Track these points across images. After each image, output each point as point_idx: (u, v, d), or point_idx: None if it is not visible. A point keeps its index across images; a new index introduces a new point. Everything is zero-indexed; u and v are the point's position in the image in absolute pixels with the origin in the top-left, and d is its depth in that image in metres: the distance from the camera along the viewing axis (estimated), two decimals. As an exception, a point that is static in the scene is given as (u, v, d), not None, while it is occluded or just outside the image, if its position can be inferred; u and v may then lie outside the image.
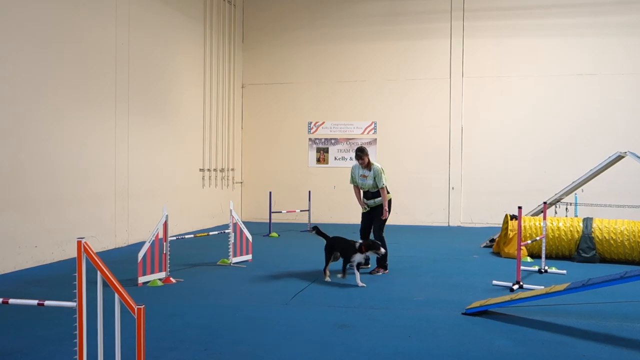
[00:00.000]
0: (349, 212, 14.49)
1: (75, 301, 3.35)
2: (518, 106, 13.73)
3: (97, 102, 9.45)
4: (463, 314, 5.46)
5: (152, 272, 6.84)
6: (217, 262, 8.35)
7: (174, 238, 7.83)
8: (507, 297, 5.57)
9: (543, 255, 7.89)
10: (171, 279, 7.02)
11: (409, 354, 4.32)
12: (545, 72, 13.58)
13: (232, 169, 14.74)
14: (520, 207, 6.90)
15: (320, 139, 14.88)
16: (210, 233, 8.79)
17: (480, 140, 13.90)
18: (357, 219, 14.29)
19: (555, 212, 10.93)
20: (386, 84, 14.46)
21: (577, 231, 8.77)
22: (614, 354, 4.35)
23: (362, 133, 14.65)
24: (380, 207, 7.64)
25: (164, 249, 6.99)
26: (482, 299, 5.81)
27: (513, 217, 9.36)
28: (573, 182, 10.08)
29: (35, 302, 3.60)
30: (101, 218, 9.52)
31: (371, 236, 7.75)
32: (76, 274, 3.34)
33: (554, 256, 8.94)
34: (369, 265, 7.85)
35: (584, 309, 5.68)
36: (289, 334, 4.83)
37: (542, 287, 6.28)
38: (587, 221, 8.85)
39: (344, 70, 14.70)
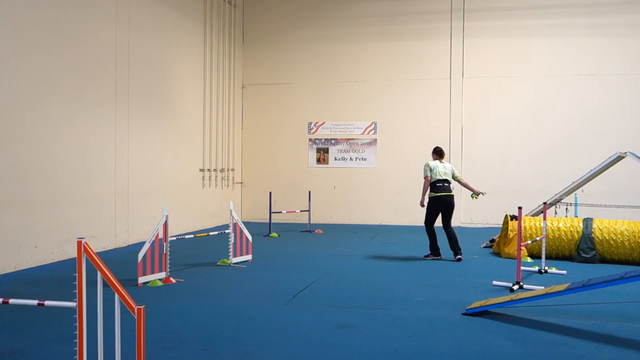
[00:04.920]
0: (349, 212, 14.52)
1: (75, 301, 3.35)
2: (518, 106, 13.73)
3: (98, 102, 9.45)
4: (463, 314, 5.46)
5: (152, 272, 6.84)
6: (217, 262, 8.35)
7: (174, 238, 7.83)
8: (507, 298, 5.57)
9: (543, 256, 7.89)
10: (171, 279, 7.02)
11: (409, 354, 4.32)
12: (545, 72, 13.58)
13: (232, 169, 14.74)
14: (520, 208, 6.89)
15: (321, 139, 14.88)
16: (210, 233, 8.78)
17: (480, 141, 13.90)
18: (356, 219, 14.37)
19: (555, 213, 10.93)
20: (386, 84, 14.47)
21: (577, 231, 8.77)
22: (614, 354, 4.34)
23: (362, 133, 14.65)
24: None
25: (164, 249, 6.99)
26: (482, 299, 5.81)
27: (513, 217, 9.36)
28: (573, 183, 10.08)
29: (35, 302, 3.60)
30: (101, 218, 9.52)
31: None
32: (76, 274, 3.34)
33: (554, 256, 8.95)
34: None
35: (584, 309, 5.68)
36: (289, 334, 4.83)
37: (542, 287, 6.28)
38: (587, 221, 8.85)
39: (344, 70, 14.70)
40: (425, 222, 8.89)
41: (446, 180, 8.82)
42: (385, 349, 4.43)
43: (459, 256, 8.71)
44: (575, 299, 5.96)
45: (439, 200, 8.76)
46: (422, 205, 8.96)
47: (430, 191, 8.82)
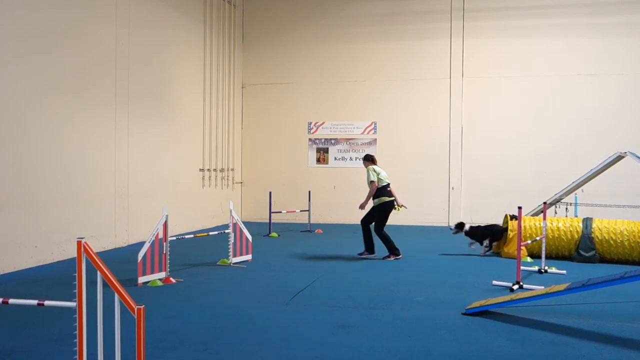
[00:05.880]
0: (349, 212, 14.51)
1: (75, 301, 3.35)
2: (518, 106, 13.73)
3: (98, 102, 9.45)
4: (463, 314, 5.46)
5: (152, 272, 6.84)
6: (217, 262, 8.36)
7: (174, 238, 7.83)
8: (507, 297, 5.57)
9: (543, 255, 7.89)
10: (171, 279, 7.02)
11: (409, 354, 4.32)
12: (545, 72, 13.58)
13: (232, 169, 14.74)
14: (520, 207, 6.89)
15: (320, 139, 14.88)
16: (210, 233, 8.79)
17: (480, 141, 13.91)
18: (356, 219, 14.31)
19: (555, 212, 10.93)
20: (386, 84, 14.47)
21: (577, 231, 8.77)
22: (614, 354, 4.34)
23: (362, 133, 14.65)
24: (374, 207, 8.92)
25: (164, 249, 6.99)
26: (482, 299, 5.81)
27: (513, 217, 9.36)
28: (573, 182, 10.09)
29: (35, 302, 3.60)
30: (101, 218, 9.52)
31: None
32: (76, 274, 3.34)
33: (554, 256, 8.94)
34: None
35: (584, 309, 5.68)
36: (289, 334, 4.83)
37: (542, 287, 6.28)
38: (587, 221, 8.85)
39: (344, 70, 14.70)
40: (379, 227, 8.83)
41: (389, 184, 8.95)
42: (385, 349, 4.43)
43: (400, 255, 8.93)
44: (575, 299, 5.96)
45: (391, 204, 8.88)
46: (362, 208, 8.99)
47: (384, 195, 8.79)
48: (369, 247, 8.99)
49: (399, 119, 14.40)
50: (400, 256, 8.91)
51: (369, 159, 9.10)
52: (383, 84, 14.49)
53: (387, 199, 8.83)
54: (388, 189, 8.87)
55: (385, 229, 8.90)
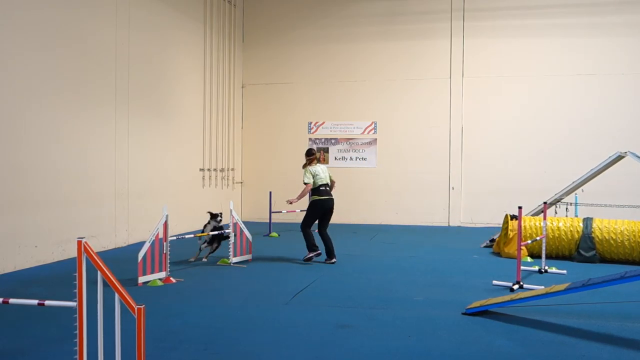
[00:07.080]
0: (349, 212, 14.51)
1: (75, 301, 3.35)
2: (518, 106, 13.72)
3: (98, 102, 9.45)
4: (463, 314, 5.46)
5: (152, 272, 6.84)
6: (217, 262, 8.35)
7: (174, 238, 7.83)
8: (507, 297, 5.57)
9: (543, 255, 7.89)
10: (171, 278, 7.02)
11: (409, 354, 4.33)
12: (545, 72, 13.58)
13: (232, 169, 14.74)
14: (520, 207, 6.90)
15: (321, 139, 14.87)
16: (211, 233, 8.78)
17: (480, 140, 13.90)
18: (356, 219, 14.37)
19: (556, 212, 10.93)
20: (386, 84, 14.46)
21: (577, 231, 8.77)
22: (614, 354, 4.35)
23: (362, 133, 14.65)
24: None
25: (164, 248, 6.99)
26: (482, 299, 5.81)
27: (513, 217, 9.36)
28: (573, 182, 10.08)
29: (35, 302, 3.60)
30: (101, 218, 9.52)
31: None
32: (76, 274, 3.34)
33: (554, 256, 8.94)
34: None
35: (584, 309, 5.68)
36: (289, 334, 4.83)
37: (542, 287, 6.28)
38: (587, 221, 8.85)
39: (344, 70, 14.69)
40: (304, 224, 8.65)
41: (327, 185, 8.77)
42: (385, 349, 4.43)
43: (334, 259, 8.61)
44: (575, 299, 5.96)
45: (323, 203, 8.64)
46: (290, 203, 8.92)
47: (314, 194, 8.60)
48: (311, 247, 8.66)
49: (399, 119, 14.40)
50: (319, 252, 8.55)
51: (311, 155, 8.83)
52: (383, 84, 14.48)
53: (318, 197, 8.62)
54: (322, 188, 8.65)
55: (311, 228, 8.71)
